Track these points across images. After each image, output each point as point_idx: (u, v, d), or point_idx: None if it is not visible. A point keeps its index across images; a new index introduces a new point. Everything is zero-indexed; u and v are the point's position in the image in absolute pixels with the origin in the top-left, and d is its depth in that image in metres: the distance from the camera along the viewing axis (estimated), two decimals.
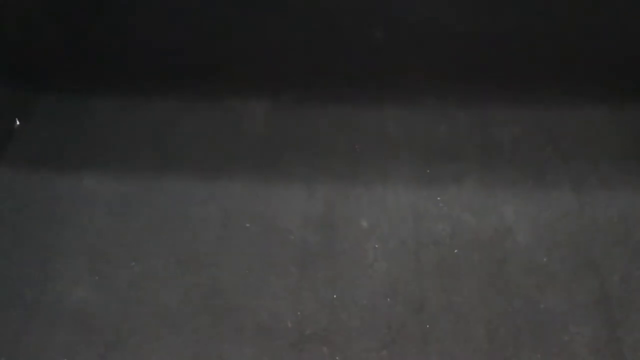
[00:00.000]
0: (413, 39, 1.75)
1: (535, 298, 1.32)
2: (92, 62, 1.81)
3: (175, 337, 1.31)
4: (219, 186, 1.56)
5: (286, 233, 1.46)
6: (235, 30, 1.79)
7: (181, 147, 1.66)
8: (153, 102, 1.75)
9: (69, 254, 1.45)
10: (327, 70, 1.75)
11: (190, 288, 1.38)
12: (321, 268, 1.39)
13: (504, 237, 1.42)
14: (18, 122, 1.74)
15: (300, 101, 1.71)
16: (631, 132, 1.58)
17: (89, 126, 1.72)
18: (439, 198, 1.50)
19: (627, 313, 1.29)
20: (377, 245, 1.43)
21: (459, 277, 1.36)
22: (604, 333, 1.26)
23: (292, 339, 1.29)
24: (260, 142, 1.65)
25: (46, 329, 1.33)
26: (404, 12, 1.72)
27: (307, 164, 1.59)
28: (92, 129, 1.71)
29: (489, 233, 1.43)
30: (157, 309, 1.35)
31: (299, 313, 1.32)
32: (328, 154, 1.61)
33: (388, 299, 1.33)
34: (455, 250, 1.40)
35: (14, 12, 1.70)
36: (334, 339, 1.28)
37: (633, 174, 1.49)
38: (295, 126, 1.67)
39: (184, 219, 1.50)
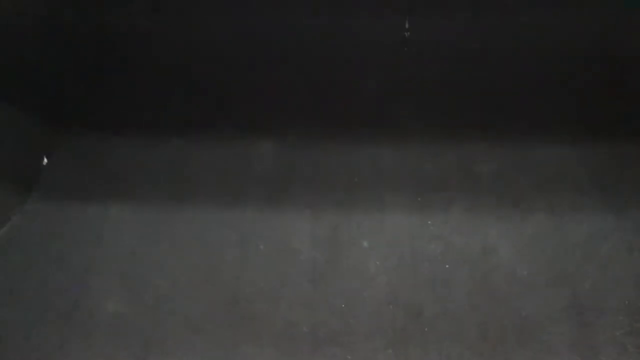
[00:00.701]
0: (403, 88, 1.99)
1: (518, 304, 1.51)
2: (114, 106, 2.01)
3: (201, 342, 1.46)
4: (233, 213, 1.74)
5: (297, 252, 1.64)
6: (244, 79, 2.01)
7: (196, 180, 1.84)
8: (169, 142, 1.94)
9: (100, 273, 1.61)
10: (327, 114, 1.97)
11: (213, 300, 1.54)
12: (329, 281, 1.57)
13: (488, 254, 1.62)
14: (46, 160, 1.91)
15: (303, 140, 1.92)
16: (593, 165, 1.81)
17: (111, 163, 1.89)
18: (429, 222, 1.70)
19: (596, 316, 1.49)
20: (377, 262, 1.62)
21: (450, 287, 1.55)
22: (578, 332, 1.45)
23: (308, 341, 1.45)
24: (268, 175, 1.84)
25: (83, 339, 1.48)
26: (394, 67, 1.98)
27: (312, 193, 1.78)
28: (115, 166, 1.88)
29: (475, 251, 1.63)
30: (184, 318, 1.51)
31: (312, 320, 1.49)
32: (330, 185, 1.80)
33: (390, 307, 1.52)
34: (447, 266, 1.60)
35: (45, 63, 1.90)
36: (345, 340, 1.45)
37: (596, 200, 1.71)
38: (300, 162, 1.87)
39: (203, 241, 1.68)
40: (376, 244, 1.66)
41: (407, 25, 1.98)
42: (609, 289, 1.53)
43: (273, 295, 1.55)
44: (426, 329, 1.47)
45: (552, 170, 1.80)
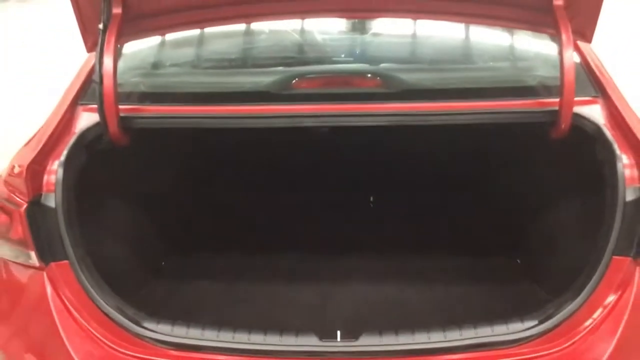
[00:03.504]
0: (364, 237, 3.50)
1: (419, 318, 2.77)
2: (201, 235, 3.52)
3: (246, 309, 2.81)
4: (263, 282, 3.13)
5: (297, 300, 2.99)
6: (263, 228, 3.58)
7: (246, 270, 3.25)
8: (231, 254, 3.41)
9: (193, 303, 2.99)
10: (315, 248, 3.38)
11: (245, 298, 2.92)
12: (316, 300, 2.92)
13: (407, 299, 2.93)
14: (163, 263, 3.38)
15: (301, 257, 3.34)
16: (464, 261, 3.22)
17: (202, 264, 3.35)
18: (376, 281, 3.05)
19: (461, 303, 2.80)
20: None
21: (381, 309, 2.86)
22: (445, 307, 2.75)
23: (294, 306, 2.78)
24: (284, 269, 3.26)
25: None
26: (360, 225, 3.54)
27: (312, 279, 3.14)
28: (203, 264, 3.35)
29: (398, 298, 2.93)
30: (242, 304, 2.88)
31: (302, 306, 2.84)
32: (322, 279, 3.15)
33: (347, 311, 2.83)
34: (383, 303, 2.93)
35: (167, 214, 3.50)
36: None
37: (465, 274, 3.08)
38: (304, 272, 3.24)
39: (248, 288, 3.07)
40: (342, 288, 3.02)
41: (371, 199, 3.59)
42: (468, 313, 2.78)
43: (284, 303, 2.89)
44: (367, 314, 2.79)
45: (446, 248, 3.26)
